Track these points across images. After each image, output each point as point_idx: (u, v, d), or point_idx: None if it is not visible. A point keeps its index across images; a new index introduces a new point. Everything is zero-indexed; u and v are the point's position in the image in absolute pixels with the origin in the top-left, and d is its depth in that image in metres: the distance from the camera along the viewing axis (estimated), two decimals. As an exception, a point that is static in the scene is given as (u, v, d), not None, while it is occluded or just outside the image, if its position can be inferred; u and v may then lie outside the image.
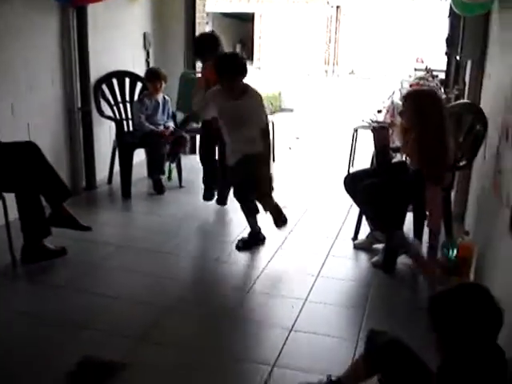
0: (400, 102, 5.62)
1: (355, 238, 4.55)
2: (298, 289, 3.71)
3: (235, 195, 4.45)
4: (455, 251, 3.51)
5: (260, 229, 4.46)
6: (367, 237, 4.44)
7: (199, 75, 5.52)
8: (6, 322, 3.21)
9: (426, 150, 3.69)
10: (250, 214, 4.41)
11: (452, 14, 5.20)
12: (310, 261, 4.17)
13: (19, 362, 2.86)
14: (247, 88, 4.29)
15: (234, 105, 4.23)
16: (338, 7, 25.51)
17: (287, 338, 3.12)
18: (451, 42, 5.36)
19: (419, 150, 3.74)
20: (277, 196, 4.49)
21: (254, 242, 4.39)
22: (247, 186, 4.30)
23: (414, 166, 3.95)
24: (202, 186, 5.30)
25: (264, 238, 4.45)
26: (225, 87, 4.25)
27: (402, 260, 4.13)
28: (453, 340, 1.97)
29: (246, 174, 4.27)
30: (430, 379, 2.18)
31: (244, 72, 4.22)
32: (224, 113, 4.33)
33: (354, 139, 6.53)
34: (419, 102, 3.82)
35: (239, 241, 4.39)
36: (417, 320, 3.35)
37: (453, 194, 4.46)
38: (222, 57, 4.41)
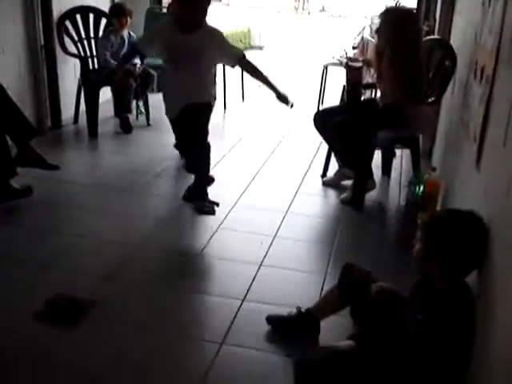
0: (370, 39, 5.59)
1: (324, 175, 4.58)
2: (267, 226, 3.74)
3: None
4: (422, 187, 3.55)
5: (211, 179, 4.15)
6: (336, 174, 4.47)
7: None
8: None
9: (403, 66, 3.71)
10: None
11: None
12: (279, 198, 4.19)
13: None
14: (204, 23, 3.86)
15: (185, 39, 3.80)
16: None
17: (257, 274, 3.16)
18: (422, -24, 5.29)
19: (395, 68, 3.75)
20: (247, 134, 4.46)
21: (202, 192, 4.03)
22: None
23: (384, 99, 3.97)
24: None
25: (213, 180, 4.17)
26: (182, 16, 3.81)
27: (371, 196, 4.18)
28: (444, 258, 2.01)
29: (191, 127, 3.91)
30: (402, 307, 2.23)
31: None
32: (172, 49, 3.88)
33: (324, 76, 6.48)
34: (397, 17, 3.84)
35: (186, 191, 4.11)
36: (384, 254, 3.45)
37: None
38: None
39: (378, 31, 4.07)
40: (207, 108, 4.02)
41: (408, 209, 3.63)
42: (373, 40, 5.26)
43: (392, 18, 3.88)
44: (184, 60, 3.83)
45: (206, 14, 3.83)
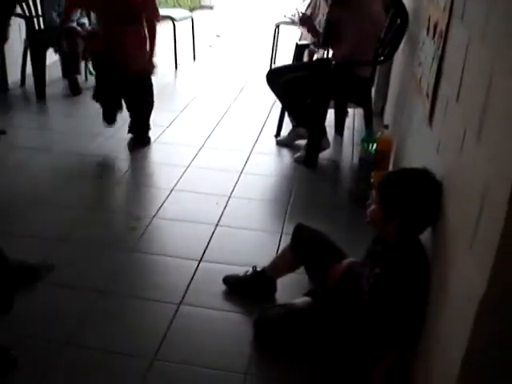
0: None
1: (278, 134, 4.57)
2: (222, 186, 3.73)
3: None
4: (375, 145, 3.58)
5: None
6: (290, 133, 4.46)
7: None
8: None
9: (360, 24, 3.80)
10: None
11: None
12: (233, 158, 4.17)
13: None
14: None
15: None
16: None
17: (213, 234, 3.16)
18: None
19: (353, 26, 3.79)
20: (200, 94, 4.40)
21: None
22: None
23: (337, 57, 3.97)
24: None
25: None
26: None
27: (324, 155, 4.20)
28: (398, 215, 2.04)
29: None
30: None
31: None
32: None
33: (276, 35, 6.43)
34: None
35: None
36: (338, 212, 3.50)
37: (373, 89, 4.50)
38: None
39: None
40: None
41: (361, 167, 3.66)
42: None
43: None
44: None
45: None
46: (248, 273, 2.69)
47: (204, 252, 2.99)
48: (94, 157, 4.13)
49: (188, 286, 2.72)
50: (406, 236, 2.07)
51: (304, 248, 2.56)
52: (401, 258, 2.05)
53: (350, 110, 4.78)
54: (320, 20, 4.34)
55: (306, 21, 4.35)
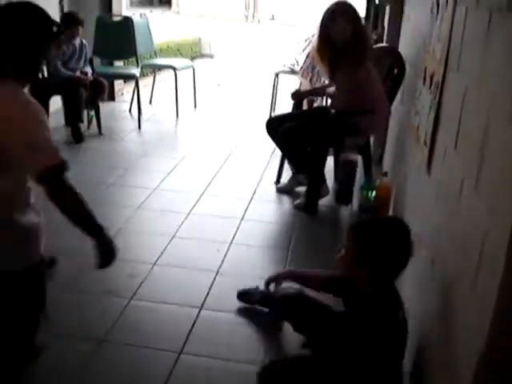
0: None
1: (278, 181, 4.61)
2: (222, 232, 3.74)
3: None
4: (374, 192, 3.61)
5: None
6: (289, 180, 4.50)
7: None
8: None
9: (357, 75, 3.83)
10: None
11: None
12: (234, 205, 4.19)
13: None
14: None
15: None
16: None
17: (213, 281, 3.16)
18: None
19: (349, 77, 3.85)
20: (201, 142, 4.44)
21: None
22: None
23: (336, 105, 4.03)
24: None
25: None
26: None
27: (324, 202, 4.22)
28: (370, 263, 2.03)
29: None
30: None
31: None
32: None
33: (275, 84, 6.53)
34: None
35: None
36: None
37: (371, 136, 4.55)
38: None
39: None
40: None
41: (361, 214, 3.68)
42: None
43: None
44: None
45: None
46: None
47: (205, 299, 2.98)
48: (96, 205, 4.14)
49: (188, 334, 2.71)
50: (374, 284, 2.05)
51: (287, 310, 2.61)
52: (367, 310, 2.02)
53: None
54: (319, 70, 4.43)
55: (297, 96, 4.46)
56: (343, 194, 4.02)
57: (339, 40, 3.87)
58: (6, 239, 2.09)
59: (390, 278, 2.06)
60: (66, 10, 6.20)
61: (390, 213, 3.59)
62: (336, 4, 3.98)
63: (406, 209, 3.10)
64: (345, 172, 4.01)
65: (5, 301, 2.14)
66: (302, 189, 4.34)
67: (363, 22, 4.17)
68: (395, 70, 4.08)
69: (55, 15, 5.77)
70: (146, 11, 17.96)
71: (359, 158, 4.20)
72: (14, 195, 2.12)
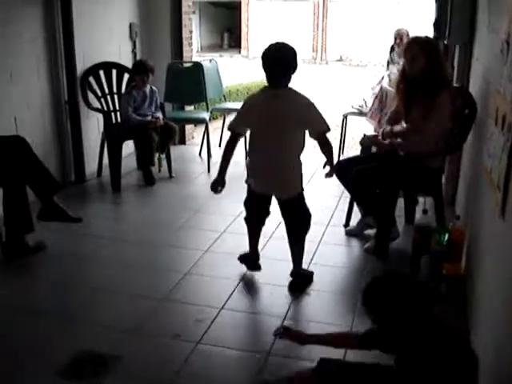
0: (389, 88, 5.62)
1: (347, 224, 4.55)
2: (290, 277, 3.70)
3: None
4: (446, 236, 3.51)
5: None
6: (359, 223, 4.44)
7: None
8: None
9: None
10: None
11: (439, -3, 5.18)
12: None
13: (13, 355, 2.86)
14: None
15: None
16: (324, -6, 25.49)
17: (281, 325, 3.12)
18: (439, 26, 5.33)
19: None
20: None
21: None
22: None
23: (406, 148, 3.97)
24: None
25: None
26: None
27: (395, 245, 4.13)
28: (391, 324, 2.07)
29: None
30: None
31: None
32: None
33: (344, 126, 6.52)
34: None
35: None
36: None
37: (444, 177, 4.45)
38: None
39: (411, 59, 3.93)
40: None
41: (433, 258, 3.58)
42: (391, 89, 5.29)
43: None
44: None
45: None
46: None
47: (272, 345, 2.94)
48: (165, 247, 4.21)
49: (254, 380, 2.68)
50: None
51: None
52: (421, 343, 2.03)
53: (420, 198, 4.73)
54: (387, 112, 4.39)
55: (366, 140, 4.40)
56: (413, 265, 3.86)
57: (412, 73, 3.87)
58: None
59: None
60: (138, 57, 6.43)
61: (463, 258, 3.48)
62: (409, 40, 4.10)
63: (480, 254, 3.00)
64: (416, 242, 3.85)
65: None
66: (371, 231, 4.27)
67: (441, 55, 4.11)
68: (466, 110, 3.99)
69: (128, 63, 6.00)
70: (216, 56, 18.43)
71: (430, 200, 4.11)
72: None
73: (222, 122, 7.36)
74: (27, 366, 2.80)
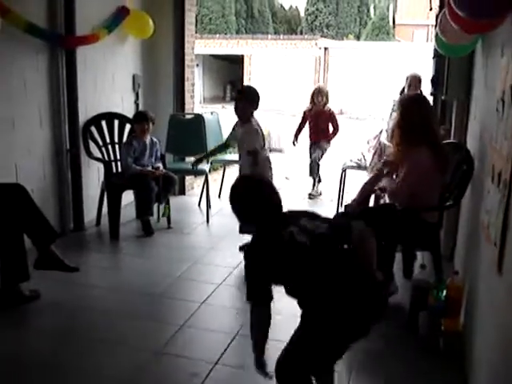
0: (387, 143, 5.68)
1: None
2: (288, 332, 3.65)
3: None
4: (444, 292, 3.49)
5: None
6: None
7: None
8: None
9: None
10: None
11: (437, 55, 5.27)
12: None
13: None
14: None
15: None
16: (325, 49, 25.96)
17: None
18: (436, 82, 5.42)
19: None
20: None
21: None
22: None
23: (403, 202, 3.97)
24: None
25: None
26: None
27: (392, 300, 4.09)
28: None
29: None
30: None
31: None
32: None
33: (343, 179, 6.55)
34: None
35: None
36: (407, 361, 3.35)
37: (442, 232, 4.45)
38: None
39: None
40: None
41: (431, 314, 3.54)
42: (389, 144, 5.34)
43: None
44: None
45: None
46: None
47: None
48: (162, 298, 4.18)
49: None
50: None
51: None
52: None
53: (418, 253, 4.71)
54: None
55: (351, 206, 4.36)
56: (410, 321, 3.82)
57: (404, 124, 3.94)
58: None
59: None
60: (140, 108, 6.51)
61: (462, 314, 3.45)
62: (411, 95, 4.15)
63: (478, 309, 2.98)
64: (414, 298, 3.82)
65: None
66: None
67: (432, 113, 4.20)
68: (464, 166, 4.02)
69: (130, 114, 6.07)
70: (219, 107, 18.63)
71: (428, 254, 4.09)
72: None
73: (221, 173, 7.41)
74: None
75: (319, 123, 7.51)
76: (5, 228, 3.80)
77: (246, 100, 4.84)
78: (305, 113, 7.69)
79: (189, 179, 7.38)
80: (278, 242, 2.47)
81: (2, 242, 3.82)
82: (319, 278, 2.42)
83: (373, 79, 23.55)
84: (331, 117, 7.50)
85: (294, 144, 7.85)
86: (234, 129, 5.11)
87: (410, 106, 3.97)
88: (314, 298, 2.45)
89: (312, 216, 2.62)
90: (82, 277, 4.29)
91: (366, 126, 13.11)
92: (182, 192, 7.18)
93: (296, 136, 7.80)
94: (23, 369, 3.18)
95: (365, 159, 6.20)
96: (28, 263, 3.94)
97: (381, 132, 6.13)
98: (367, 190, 4.24)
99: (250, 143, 4.81)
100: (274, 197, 2.64)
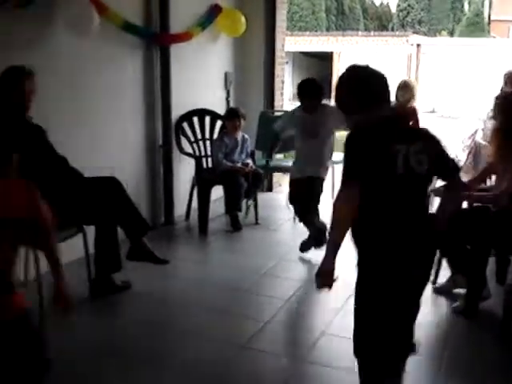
0: (483, 142, 5.48)
1: (435, 281, 4.40)
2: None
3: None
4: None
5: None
6: (448, 280, 4.28)
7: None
8: (79, 353, 3.28)
9: None
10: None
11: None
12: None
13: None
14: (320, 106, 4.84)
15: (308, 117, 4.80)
16: (417, 45, 25.33)
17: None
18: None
19: None
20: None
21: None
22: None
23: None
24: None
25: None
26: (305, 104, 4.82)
27: (484, 306, 3.96)
28: None
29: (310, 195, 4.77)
30: None
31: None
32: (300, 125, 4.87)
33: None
34: None
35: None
36: (500, 371, 3.22)
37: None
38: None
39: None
40: (322, 182, 4.88)
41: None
42: (486, 143, 5.15)
43: None
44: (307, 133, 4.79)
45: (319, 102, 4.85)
46: None
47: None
48: (248, 294, 4.21)
49: None
50: None
51: None
52: None
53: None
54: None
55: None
56: (503, 327, 3.66)
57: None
58: None
59: None
60: (231, 105, 6.58)
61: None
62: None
63: None
64: (507, 303, 3.67)
65: None
66: (461, 290, 4.10)
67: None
68: None
69: (222, 111, 6.15)
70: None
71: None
72: None
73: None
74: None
75: None
76: (100, 219, 3.94)
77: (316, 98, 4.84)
78: None
79: (277, 176, 7.39)
80: (384, 149, 2.37)
81: (97, 233, 3.97)
82: (398, 201, 2.41)
83: (466, 77, 22.80)
84: (413, 113, 7.11)
85: None
86: (292, 115, 5.11)
87: None
88: (383, 218, 2.40)
89: (427, 143, 2.50)
90: (171, 269, 4.39)
91: (458, 124, 12.71)
92: (270, 189, 7.21)
93: None
94: (117, 355, 3.29)
95: (459, 159, 6.00)
96: (120, 254, 4.07)
97: (476, 131, 5.92)
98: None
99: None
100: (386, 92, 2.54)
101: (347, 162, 2.40)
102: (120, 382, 3.04)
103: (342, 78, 2.59)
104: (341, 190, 2.39)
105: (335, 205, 2.38)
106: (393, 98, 7.01)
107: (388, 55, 25.38)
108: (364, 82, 2.51)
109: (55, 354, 2.45)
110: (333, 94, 2.92)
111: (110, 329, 3.65)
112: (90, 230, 3.96)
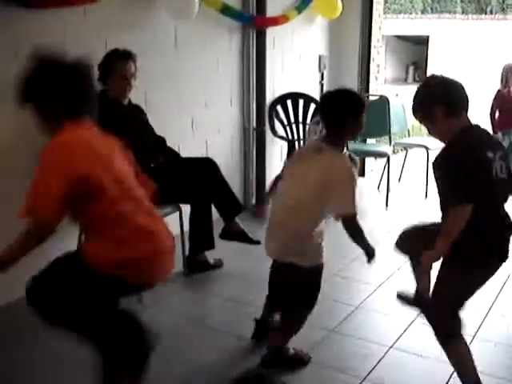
0: None
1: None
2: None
3: None
4: None
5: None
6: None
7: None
8: (172, 327, 3.40)
9: None
10: None
11: None
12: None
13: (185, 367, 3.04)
14: None
15: None
16: (521, 29, 24.29)
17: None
18: None
19: None
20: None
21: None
22: None
23: None
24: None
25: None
26: None
27: None
28: None
29: None
30: None
31: None
32: None
33: None
34: None
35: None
36: None
37: None
38: None
39: None
40: None
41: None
42: None
43: None
44: None
45: None
46: None
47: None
48: (338, 279, 4.21)
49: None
50: None
51: None
52: None
53: None
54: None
55: None
56: None
57: None
58: None
59: None
60: (325, 89, 6.55)
61: None
62: None
63: None
64: None
65: None
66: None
67: None
68: None
69: (315, 94, 6.14)
70: (401, 89, 18.16)
71: None
72: None
73: (403, 156, 7.26)
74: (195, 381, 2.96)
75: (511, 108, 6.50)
76: (196, 198, 4.05)
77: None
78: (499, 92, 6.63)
79: (369, 161, 7.31)
80: (485, 162, 2.51)
81: (192, 212, 4.09)
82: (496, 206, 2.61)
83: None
84: None
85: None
86: None
87: None
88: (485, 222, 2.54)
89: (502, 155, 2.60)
90: (261, 250, 4.42)
91: None
92: (362, 174, 7.15)
93: (493, 124, 6.55)
94: (201, 330, 3.44)
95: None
96: (213, 233, 4.17)
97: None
98: None
99: None
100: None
101: (462, 185, 2.49)
102: (204, 354, 3.16)
103: (426, 86, 2.73)
104: (458, 214, 2.51)
105: (452, 228, 2.54)
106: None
107: (486, 39, 24.45)
108: (453, 88, 2.63)
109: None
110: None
111: (198, 303, 3.84)
112: (186, 209, 4.08)
